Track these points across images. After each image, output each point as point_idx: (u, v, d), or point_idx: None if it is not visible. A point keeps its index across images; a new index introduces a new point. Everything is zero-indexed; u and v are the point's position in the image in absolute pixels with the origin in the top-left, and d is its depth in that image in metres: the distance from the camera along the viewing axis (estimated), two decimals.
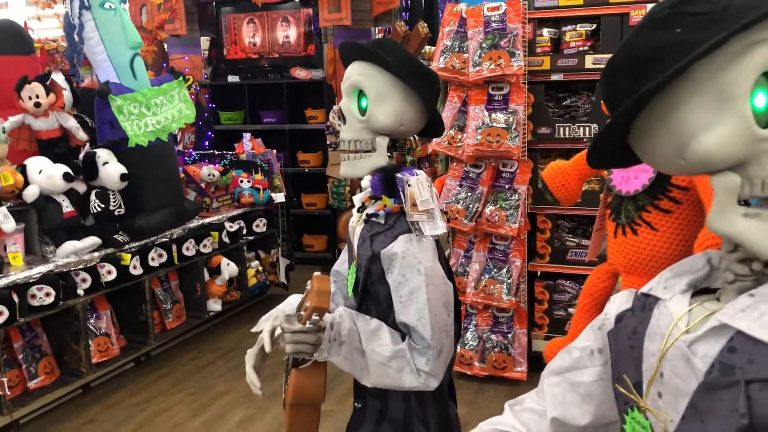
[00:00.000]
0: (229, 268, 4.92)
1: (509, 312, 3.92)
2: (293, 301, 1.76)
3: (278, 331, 1.46)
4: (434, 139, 3.94)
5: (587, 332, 0.96)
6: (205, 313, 4.85)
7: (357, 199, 1.65)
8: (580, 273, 3.90)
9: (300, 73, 6.67)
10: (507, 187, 3.81)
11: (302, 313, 1.29)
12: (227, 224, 5.00)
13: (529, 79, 3.79)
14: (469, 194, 3.83)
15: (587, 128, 3.76)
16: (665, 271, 0.83)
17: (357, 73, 1.52)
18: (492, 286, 3.82)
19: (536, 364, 3.95)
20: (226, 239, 4.96)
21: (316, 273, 1.35)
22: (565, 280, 3.99)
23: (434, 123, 1.56)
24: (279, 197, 5.58)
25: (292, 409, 1.50)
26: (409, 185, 1.45)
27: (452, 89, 3.92)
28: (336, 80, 6.34)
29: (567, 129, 3.81)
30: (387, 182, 1.50)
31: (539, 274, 4.07)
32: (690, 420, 0.73)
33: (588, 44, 3.78)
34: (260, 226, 5.38)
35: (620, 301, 0.90)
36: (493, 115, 3.72)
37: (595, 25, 3.76)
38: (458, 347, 4.02)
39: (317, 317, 1.29)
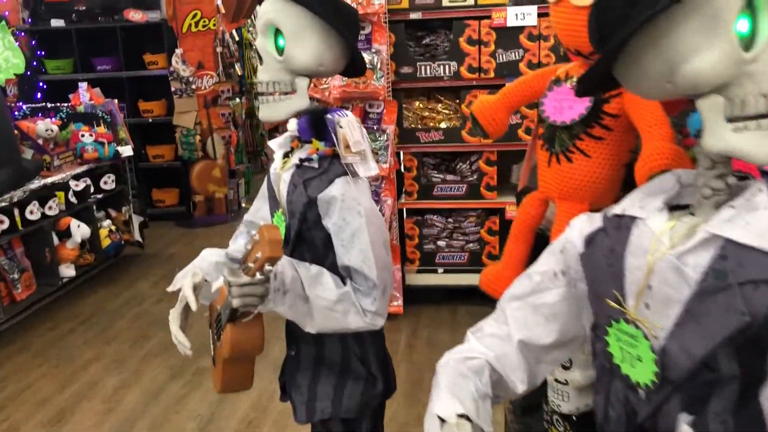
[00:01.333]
0: (80, 230, 4.57)
1: None
2: (209, 255, 1.68)
3: (217, 284, 1.40)
4: None
5: (546, 257, 1.01)
6: (58, 280, 4.49)
7: (276, 144, 1.58)
8: (447, 207, 4.07)
9: (135, 15, 6.18)
10: (375, 128, 3.84)
11: (250, 264, 1.23)
12: (72, 183, 4.62)
13: (388, 18, 3.80)
14: None
15: (448, 66, 3.86)
16: (635, 192, 0.89)
17: (272, 9, 1.44)
18: None
19: (411, 297, 4.11)
20: (73, 199, 4.58)
21: (264, 223, 1.28)
22: (433, 214, 4.13)
23: (355, 62, 1.52)
24: (126, 151, 5.23)
25: (227, 364, 1.45)
26: (341, 126, 1.42)
27: None
28: (177, 21, 5.96)
29: (428, 68, 3.88)
30: (316, 124, 1.45)
31: (406, 211, 4.19)
32: (684, 324, 0.80)
33: None
34: (108, 183, 5.03)
35: (581, 225, 0.96)
36: None
37: None
38: None
39: (270, 267, 1.24)
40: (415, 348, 3.73)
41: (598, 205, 1.18)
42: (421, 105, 4.09)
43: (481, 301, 4.39)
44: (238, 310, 1.34)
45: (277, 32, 1.45)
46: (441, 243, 4.13)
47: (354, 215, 1.41)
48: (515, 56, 3.79)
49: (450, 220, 4.12)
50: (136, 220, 5.43)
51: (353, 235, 1.41)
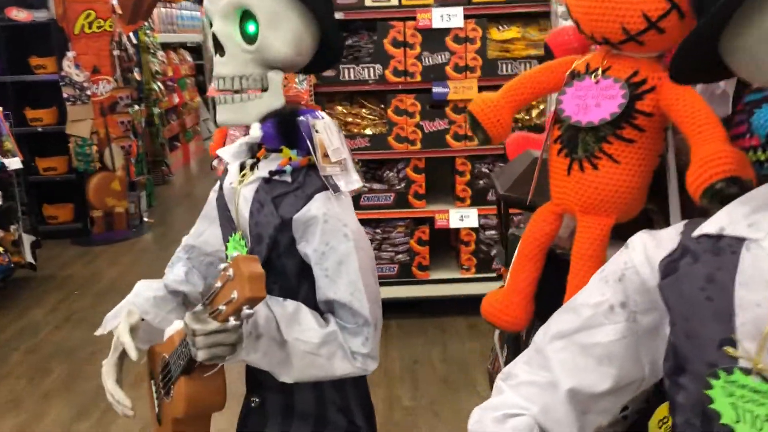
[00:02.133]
0: None
1: None
2: (144, 290, 1.41)
3: (172, 331, 1.15)
4: (212, 85, 3.55)
5: (597, 286, 0.83)
6: None
7: (229, 153, 1.33)
8: (375, 217, 3.88)
9: (18, 14, 5.63)
10: None
11: (221, 307, 0.98)
12: None
13: None
14: None
15: (372, 69, 3.68)
16: (733, 207, 0.72)
17: None
18: None
19: None
20: None
21: (237, 254, 1.04)
22: (362, 226, 3.93)
23: (330, 48, 1.30)
24: (13, 163, 4.71)
25: (179, 425, 1.19)
26: (317, 131, 1.19)
27: None
28: (68, 22, 5.47)
29: (352, 71, 3.69)
30: (286, 129, 1.22)
31: None
32: None
33: None
34: None
35: (645, 248, 0.78)
36: None
37: None
38: None
39: (250, 311, 0.99)
40: (385, 365, 3.52)
41: (625, 218, 1.03)
42: (344, 110, 3.88)
43: (413, 314, 4.28)
44: (196, 361, 1.09)
45: (247, 16, 1.20)
46: None
47: (339, 239, 1.19)
48: (441, 59, 3.67)
49: (378, 231, 3.93)
50: (27, 239, 4.91)
51: (339, 263, 1.18)
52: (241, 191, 1.27)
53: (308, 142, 1.19)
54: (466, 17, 3.60)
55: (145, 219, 6.46)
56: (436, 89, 3.69)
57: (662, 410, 0.92)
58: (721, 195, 0.82)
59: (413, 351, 3.64)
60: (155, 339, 1.38)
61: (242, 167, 1.30)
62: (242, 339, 1.06)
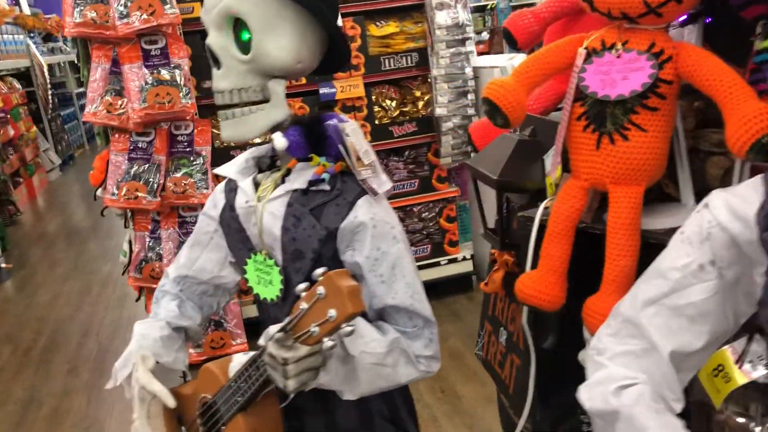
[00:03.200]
0: None
1: None
2: (148, 330, 1.28)
3: (236, 366, 1.06)
4: (87, 109, 3.29)
5: (681, 248, 0.86)
6: None
7: (235, 170, 1.23)
8: None
9: None
10: (188, 150, 3.42)
11: (313, 329, 0.90)
12: None
13: (182, 30, 3.41)
14: (145, 167, 3.34)
15: None
16: None
17: None
18: None
19: (252, 330, 3.75)
20: None
21: (321, 269, 0.94)
22: None
23: (334, 53, 1.23)
24: None
25: None
26: (347, 135, 1.12)
27: (95, 48, 3.30)
28: None
29: None
30: (315, 136, 1.14)
31: None
32: None
33: None
34: None
35: (728, 203, 0.82)
36: (156, 72, 3.26)
37: None
38: None
39: (350, 327, 0.92)
40: None
41: (651, 183, 1.07)
42: None
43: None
44: (258, 394, 0.99)
45: (239, 24, 1.13)
46: None
47: (389, 242, 1.14)
48: None
49: None
50: None
51: (393, 267, 1.13)
52: (266, 208, 1.19)
53: (341, 146, 1.14)
54: (343, 15, 3.59)
55: (2, 265, 5.87)
56: (323, 90, 3.66)
57: (716, 358, 0.97)
58: (767, 149, 0.88)
59: None
60: (169, 382, 1.26)
61: (255, 182, 1.21)
62: (327, 360, 0.99)
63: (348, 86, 3.68)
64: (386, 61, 3.71)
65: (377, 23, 3.73)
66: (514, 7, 8.65)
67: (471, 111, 3.76)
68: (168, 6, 3.18)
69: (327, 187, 1.16)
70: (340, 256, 1.17)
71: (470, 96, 3.74)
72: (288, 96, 4.06)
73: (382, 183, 1.17)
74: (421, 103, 3.83)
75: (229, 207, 1.28)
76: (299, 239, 1.17)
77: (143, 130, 3.33)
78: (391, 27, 3.71)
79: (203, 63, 3.48)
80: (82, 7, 3.16)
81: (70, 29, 3.15)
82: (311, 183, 1.16)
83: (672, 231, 0.94)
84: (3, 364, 4.12)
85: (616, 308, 0.95)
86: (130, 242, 3.55)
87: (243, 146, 3.60)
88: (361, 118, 3.75)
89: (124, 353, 1.29)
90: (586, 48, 1.06)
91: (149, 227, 3.50)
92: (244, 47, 1.14)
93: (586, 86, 1.04)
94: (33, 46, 10.06)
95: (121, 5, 3.16)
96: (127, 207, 3.34)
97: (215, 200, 1.34)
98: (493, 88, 1.06)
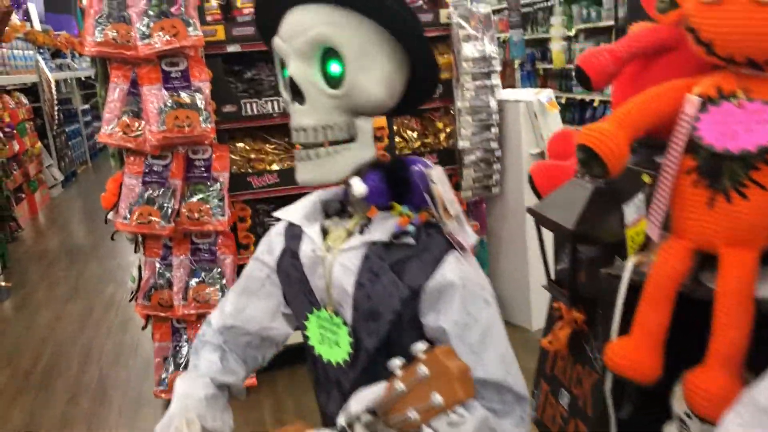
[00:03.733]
0: None
1: None
2: (192, 389, 1.16)
3: None
4: (103, 130, 3.19)
5: None
6: None
7: (301, 215, 1.13)
8: None
9: None
10: (206, 176, 3.32)
11: (412, 414, 0.79)
12: None
13: (204, 53, 3.33)
14: (160, 191, 3.23)
15: (275, 102, 3.49)
16: None
17: (323, 21, 1.02)
18: (204, 292, 3.32)
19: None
20: None
21: (423, 345, 0.83)
22: None
23: (422, 86, 1.12)
24: None
25: None
26: (434, 182, 1.02)
27: (114, 67, 3.21)
28: None
29: (254, 105, 3.48)
30: (397, 182, 1.03)
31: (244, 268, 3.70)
32: None
33: None
34: None
35: None
36: (176, 95, 3.17)
37: None
38: (171, 368, 3.44)
39: (457, 416, 0.80)
40: (284, 422, 3.26)
41: (766, 247, 0.97)
42: (247, 147, 3.65)
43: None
44: None
45: (330, 54, 1.02)
46: None
47: (480, 305, 1.03)
48: None
49: None
50: None
51: (484, 335, 1.02)
52: (336, 259, 1.08)
53: (426, 195, 1.03)
54: None
55: (2, 284, 5.73)
56: None
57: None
58: None
59: None
60: None
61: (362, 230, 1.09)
62: None
63: None
64: None
65: None
66: (528, 41, 8.62)
67: (494, 144, 3.68)
68: (191, 28, 3.10)
69: (412, 241, 1.05)
70: (421, 319, 1.06)
71: (494, 129, 3.66)
72: None
73: (468, 236, 1.06)
74: (443, 135, 3.75)
75: (291, 254, 1.17)
76: (376, 297, 1.05)
77: (160, 153, 3.23)
78: None
79: (223, 87, 3.41)
80: (104, 26, 3.08)
81: (90, 48, 3.06)
82: (396, 236, 1.05)
83: None
84: (2, 388, 3.98)
85: (751, 395, 0.83)
86: (139, 267, 3.43)
87: (261, 172, 3.50)
88: (381, 148, 3.65)
89: (166, 415, 1.17)
90: (699, 95, 0.96)
91: (160, 253, 3.39)
92: (334, 81, 1.04)
93: (700, 137, 0.94)
94: (42, 62, 10.01)
95: (143, 26, 3.08)
96: (139, 232, 3.23)
97: (270, 244, 1.23)
98: (592, 134, 0.96)
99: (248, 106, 3.47)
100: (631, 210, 1.13)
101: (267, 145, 3.69)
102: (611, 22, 6.61)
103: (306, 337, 1.16)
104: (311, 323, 1.13)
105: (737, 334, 0.95)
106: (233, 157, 3.55)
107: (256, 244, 3.56)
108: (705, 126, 0.95)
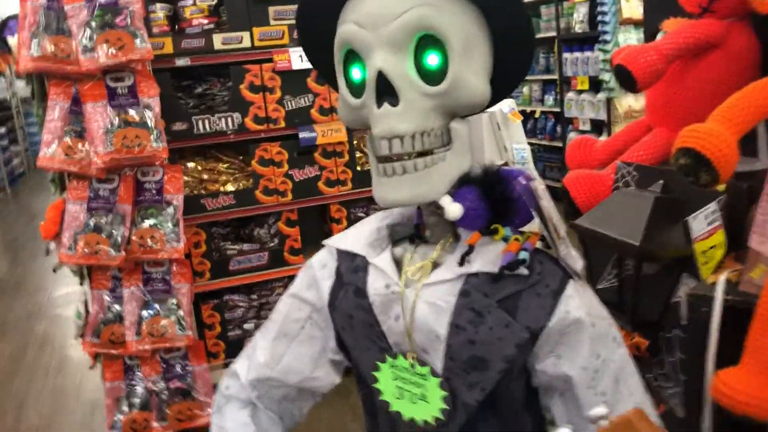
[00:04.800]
0: None
1: (181, 350, 3.22)
2: None
3: None
4: (42, 153, 2.91)
5: None
6: None
7: (363, 243, 0.94)
8: (249, 282, 3.45)
9: None
10: (158, 199, 3.07)
11: None
12: None
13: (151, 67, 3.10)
14: (107, 218, 2.96)
15: (230, 118, 3.29)
16: None
17: (420, 2, 0.84)
18: (159, 325, 3.06)
19: None
20: None
21: (603, 410, 0.66)
22: (233, 294, 3.48)
23: (516, 69, 0.94)
24: None
25: None
26: (541, 198, 0.86)
27: (53, 84, 2.93)
28: None
29: (207, 122, 3.26)
30: (500, 200, 0.86)
31: (200, 296, 3.45)
32: None
33: (213, 21, 3.28)
34: None
35: None
36: (123, 112, 2.92)
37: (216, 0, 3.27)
38: (125, 409, 3.16)
39: None
40: None
41: None
42: (198, 167, 3.42)
43: None
44: None
45: (427, 43, 0.85)
46: (248, 326, 3.49)
47: (610, 346, 0.87)
48: (305, 102, 3.39)
49: (254, 296, 3.51)
50: None
51: (617, 380, 0.87)
52: (420, 295, 0.90)
53: (536, 214, 0.87)
54: None
55: None
56: (302, 134, 3.40)
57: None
58: None
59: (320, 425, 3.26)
60: None
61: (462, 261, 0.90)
62: None
63: (330, 130, 3.44)
64: None
65: None
66: None
67: None
68: (139, 40, 2.87)
69: (526, 272, 0.88)
70: (535, 364, 0.90)
71: None
72: (263, 140, 3.74)
73: (577, 260, 0.91)
74: None
75: (354, 291, 0.98)
76: (482, 343, 0.88)
77: (106, 176, 2.97)
78: None
79: (173, 103, 3.18)
80: (40, 39, 2.80)
81: (26, 64, 2.78)
82: (510, 266, 0.87)
83: None
84: None
85: None
86: (85, 302, 3.14)
87: (215, 193, 3.29)
88: (342, 164, 3.50)
89: None
90: None
91: (109, 285, 3.10)
92: (431, 75, 0.87)
93: None
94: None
95: (85, 38, 2.83)
96: (86, 263, 2.95)
97: (313, 278, 1.04)
98: (699, 137, 0.84)
99: (200, 123, 3.25)
100: (700, 222, 1.02)
101: (220, 165, 3.48)
102: (553, 33, 6.66)
103: (376, 392, 0.97)
104: (383, 374, 0.94)
105: None
106: (185, 178, 3.31)
107: (211, 270, 3.37)
108: None
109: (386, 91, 0.87)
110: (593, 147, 1.50)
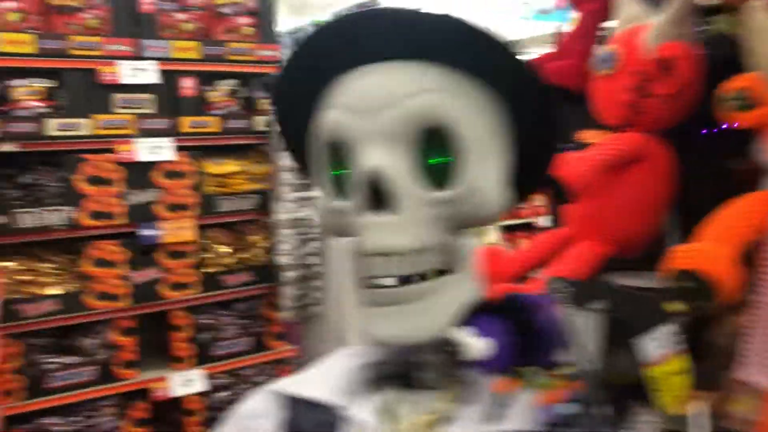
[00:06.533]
0: None
1: None
2: None
3: None
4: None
5: None
6: None
7: (331, 388, 0.72)
8: (72, 401, 2.97)
9: None
10: None
11: None
12: None
13: None
14: None
15: (60, 212, 2.90)
16: None
17: (427, 88, 0.69)
18: None
19: None
20: None
21: None
22: (51, 417, 2.96)
23: (537, 172, 0.81)
24: None
25: None
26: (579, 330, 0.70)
27: None
28: None
29: (31, 216, 2.85)
30: (527, 335, 0.68)
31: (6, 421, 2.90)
32: None
33: (49, 104, 2.94)
34: None
35: None
36: None
37: (56, 82, 2.95)
38: None
39: None
40: None
41: None
42: (17, 266, 2.96)
43: None
44: None
45: (436, 137, 0.69)
46: None
47: None
48: (150, 197, 3.10)
49: (77, 418, 3.01)
50: None
51: None
52: None
53: (578, 349, 0.71)
54: (179, 149, 3.14)
55: None
56: (143, 232, 3.09)
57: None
58: None
59: None
60: None
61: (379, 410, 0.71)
62: None
63: (176, 228, 3.16)
64: (223, 202, 3.28)
65: (215, 160, 3.32)
66: None
67: (316, 260, 3.44)
68: None
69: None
70: None
71: (314, 244, 3.43)
72: (96, 238, 3.35)
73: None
74: (260, 251, 3.43)
75: None
76: None
77: None
78: (231, 166, 3.33)
79: None
80: None
81: None
82: (564, 422, 0.69)
83: None
84: None
85: None
86: None
87: (36, 297, 2.83)
88: (188, 265, 3.21)
89: None
90: None
91: None
92: (438, 178, 0.71)
93: None
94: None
95: None
96: None
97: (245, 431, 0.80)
98: (698, 257, 0.76)
99: (23, 217, 2.83)
100: (654, 345, 0.95)
101: (44, 265, 3.03)
102: None
103: None
104: None
105: None
106: (2, 280, 2.84)
107: (28, 389, 2.86)
108: None
109: (380, 196, 0.71)
110: (503, 259, 1.44)
